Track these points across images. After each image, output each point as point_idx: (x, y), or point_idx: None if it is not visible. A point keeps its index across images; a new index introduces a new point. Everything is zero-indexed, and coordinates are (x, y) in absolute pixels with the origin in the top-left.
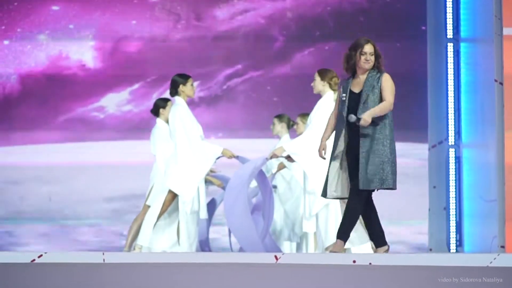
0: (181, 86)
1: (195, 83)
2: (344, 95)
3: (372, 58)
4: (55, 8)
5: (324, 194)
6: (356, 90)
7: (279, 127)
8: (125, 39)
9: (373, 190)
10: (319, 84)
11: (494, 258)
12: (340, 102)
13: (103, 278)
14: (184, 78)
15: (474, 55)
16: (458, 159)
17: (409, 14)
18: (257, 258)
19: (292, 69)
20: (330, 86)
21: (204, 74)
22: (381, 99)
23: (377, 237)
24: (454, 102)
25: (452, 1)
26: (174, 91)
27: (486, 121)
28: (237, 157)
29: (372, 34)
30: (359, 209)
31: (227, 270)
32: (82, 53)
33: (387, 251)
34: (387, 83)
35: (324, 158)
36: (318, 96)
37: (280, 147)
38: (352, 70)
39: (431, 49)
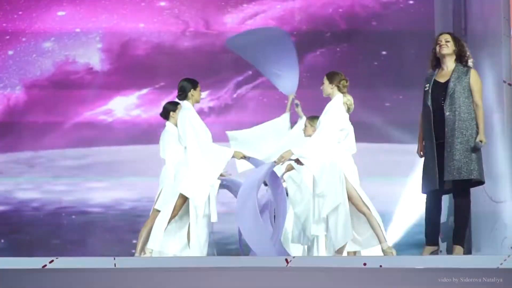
0: (191, 90)
1: (205, 93)
2: (427, 85)
3: (449, 44)
4: (61, 13)
5: (424, 189)
6: (442, 80)
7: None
8: (133, 42)
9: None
10: (327, 88)
11: (505, 260)
12: (424, 94)
13: (114, 283)
14: (193, 83)
15: (482, 57)
16: None
17: (420, 18)
18: (268, 262)
19: (304, 71)
20: (339, 89)
21: (214, 83)
22: (468, 94)
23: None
24: None
25: (460, 3)
26: (184, 95)
27: (495, 122)
28: (248, 159)
29: (384, 35)
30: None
31: (238, 274)
32: (90, 56)
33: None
34: (478, 85)
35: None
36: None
37: (288, 151)
38: (436, 63)
39: None
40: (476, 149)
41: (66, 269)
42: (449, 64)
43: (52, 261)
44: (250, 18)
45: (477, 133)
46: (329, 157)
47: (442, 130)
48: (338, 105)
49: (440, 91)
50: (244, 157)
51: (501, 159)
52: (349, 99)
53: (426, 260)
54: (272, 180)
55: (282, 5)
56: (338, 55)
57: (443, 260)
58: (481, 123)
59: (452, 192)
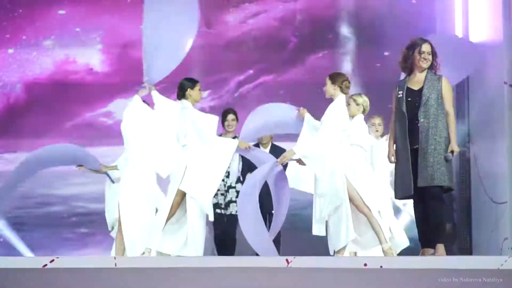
0: (189, 89)
1: (206, 92)
2: (400, 92)
3: (430, 57)
4: (61, 12)
5: (398, 195)
6: (415, 87)
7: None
8: (133, 43)
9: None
10: (330, 88)
11: (505, 261)
12: (397, 100)
13: (115, 283)
14: (192, 82)
15: (484, 57)
16: (467, 161)
17: (422, 19)
18: (268, 262)
19: (306, 72)
20: (341, 90)
21: (215, 82)
22: (441, 102)
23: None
24: (463, 104)
25: (462, 4)
26: (182, 94)
27: (496, 123)
28: (252, 149)
29: (387, 38)
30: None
31: (238, 274)
32: (90, 57)
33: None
34: (449, 93)
35: (394, 162)
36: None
37: (290, 150)
38: (409, 69)
39: None
40: (446, 160)
41: (66, 269)
42: (422, 71)
43: (53, 260)
44: (251, 17)
45: (449, 141)
46: (331, 158)
47: (416, 136)
48: (340, 105)
49: (414, 98)
50: (249, 147)
51: (502, 160)
52: (366, 100)
53: (427, 261)
54: (278, 180)
55: (284, 5)
56: (340, 56)
57: (443, 261)
58: (453, 132)
59: (424, 196)
